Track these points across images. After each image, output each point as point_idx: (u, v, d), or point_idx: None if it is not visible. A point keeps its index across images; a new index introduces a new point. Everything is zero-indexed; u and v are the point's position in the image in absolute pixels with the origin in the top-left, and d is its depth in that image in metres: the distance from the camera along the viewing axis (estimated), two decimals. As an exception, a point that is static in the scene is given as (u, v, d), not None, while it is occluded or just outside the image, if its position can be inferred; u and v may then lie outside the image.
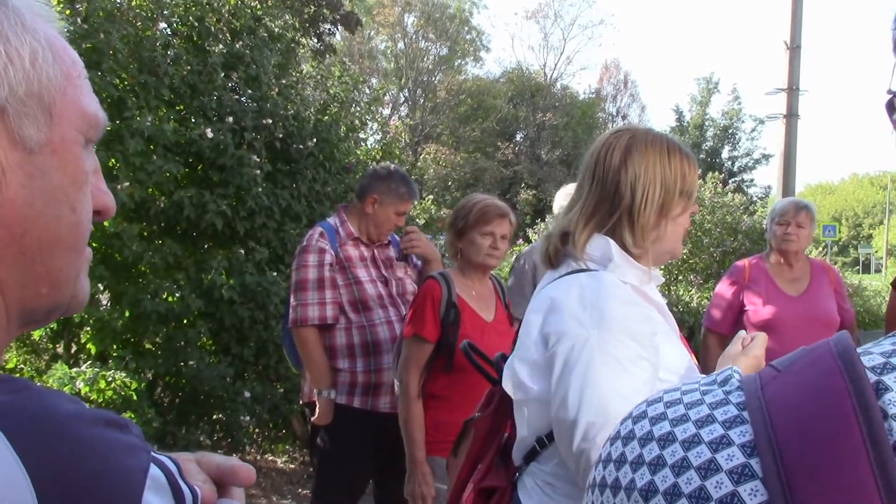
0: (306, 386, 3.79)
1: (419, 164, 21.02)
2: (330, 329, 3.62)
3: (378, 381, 3.62)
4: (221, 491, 0.79)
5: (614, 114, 40.51)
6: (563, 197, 4.20)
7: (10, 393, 0.58)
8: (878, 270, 45.67)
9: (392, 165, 3.98)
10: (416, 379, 3.20)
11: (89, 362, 4.83)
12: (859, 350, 0.52)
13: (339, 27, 9.58)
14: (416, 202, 3.93)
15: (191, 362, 5.22)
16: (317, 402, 3.57)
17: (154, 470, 0.63)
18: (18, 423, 0.57)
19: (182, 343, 5.32)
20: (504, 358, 2.09)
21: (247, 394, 5.39)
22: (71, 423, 0.59)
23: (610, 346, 1.73)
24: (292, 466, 6.31)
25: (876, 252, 54.48)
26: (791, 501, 0.46)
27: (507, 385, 1.93)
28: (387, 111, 30.20)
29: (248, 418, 5.53)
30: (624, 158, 1.91)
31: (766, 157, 37.02)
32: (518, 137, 36.66)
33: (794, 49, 14.61)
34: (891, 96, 0.61)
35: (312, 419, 3.59)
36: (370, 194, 3.73)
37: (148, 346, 5.41)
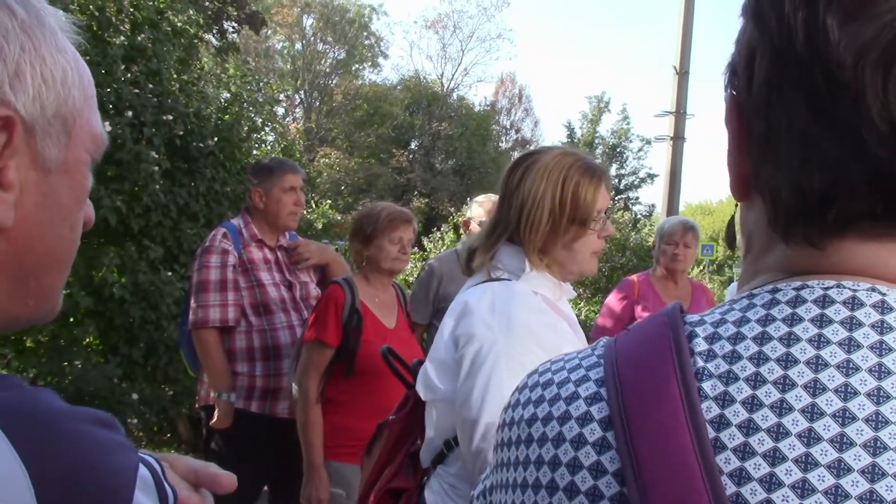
0: (203, 389, 3.72)
1: (314, 165, 20.83)
2: (230, 332, 3.57)
3: (277, 385, 3.59)
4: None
5: (508, 127, 41.02)
6: (474, 205, 4.28)
7: (3, 390, 0.58)
8: (750, 290, 47.61)
9: (269, 157, 3.97)
10: (316, 383, 3.20)
11: (-33, 359, 4.62)
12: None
13: (244, 26, 9.45)
14: (302, 176, 3.87)
15: (76, 362, 5.04)
16: (216, 406, 3.51)
17: (142, 469, 0.64)
18: (16, 420, 0.56)
19: (68, 342, 5.13)
20: (421, 363, 2.13)
21: (135, 395, 5.24)
22: (67, 420, 0.60)
23: (516, 350, 1.78)
24: (178, 471, 6.16)
25: (749, 272, 56.99)
26: (624, 413, 0.61)
27: (419, 387, 1.97)
28: (281, 110, 29.80)
29: (135, 420, 5.38)
30: (519, 182, 1.96)
31: (652, 176, 38.26)
32: (413, 145, 36.69)
33: (683, 75, 15.22)
34: None
35: (211, 423, 3.53)
36: (254, 189, 3.73)
37: (30, 344, 5.20)
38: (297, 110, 34.24)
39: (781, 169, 0.63)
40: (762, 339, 0.61)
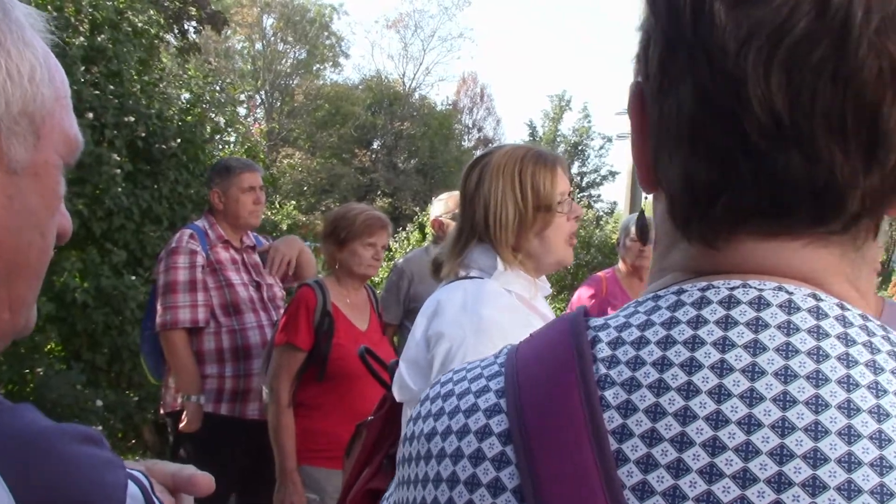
0: (169, 395, 3.67)
1: (276, 166, 20.67)
2: (198, 333, 3.53)
3: (247, 386, 3.55)
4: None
5: (470, 126, 41.07)
6: (436, 203, 4.23)
7: None
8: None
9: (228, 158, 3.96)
10: (288, 387, 3.16)
11: (-75, 368, 4.51)
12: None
13: (205, 26, 9.34)
14: (260, 174, 3.86)
15: (38, 369, 4.95)
16: (185, 409, 3.46)
17: (131, 486, 0.62)
18: None
19: (29, 349, 5.03)
20: (398, 363, 2.12)
21: (99, 402, 5.16)
22: (52, 439, 0.57)
23: (486, 349, 1.76)
24: (143, 477, 6.07)
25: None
26: (523, 426, 0.58)
27: (394, 387, 1.95)
28: (243, 111, 29.53)
29: (99, 427, 5.29)
30: (477, 183, 1.96)
31: (613, 173, 38.47)
32: (375, 145, 36.60)
33: (644, 73, 15.35)
34: None
35: (180, 427, 3.47)
36: (213, 190, 3.73)
37: (-10, 351, 5.09)
38: (259, 111, 33.96)
39: (673, 158, 0.61)
40: (666, 343, 0.58)
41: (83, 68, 5.33)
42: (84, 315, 5.16)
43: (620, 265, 4.64)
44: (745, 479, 0.52)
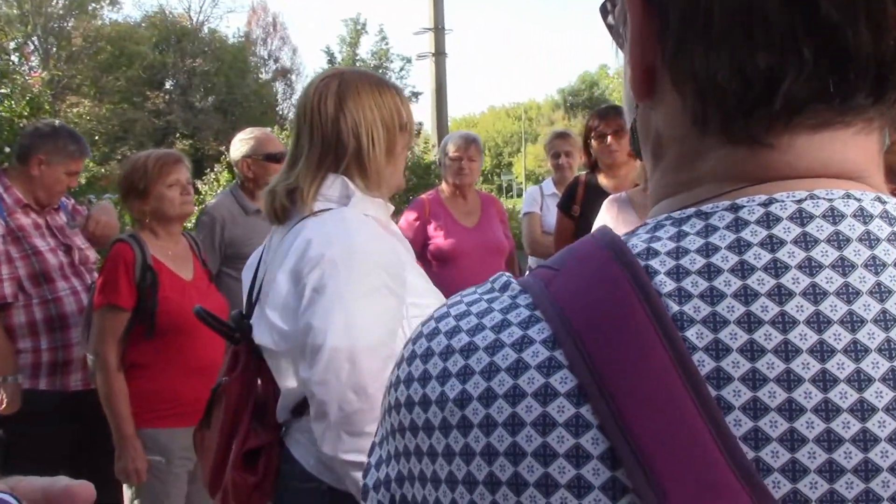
0: (-22, 376, 3.42)
1: (63, 117, 19.32)
2: (6, 308, 3.27)
3: (66, 357, 3.36)
4: None
5: (266, 57, 40.04)
6: (238, 143, 4.07)
7: None
8: (519, 195, 49.91)
9: (56, 122, 3.66)
10: (115, 350, 3.00)
11: None
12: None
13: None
14: (86, 160, 3.67)
15: None
16: (2, 391, 3.22)
17: None
18: None
19: None
20: (241, 315, 2.02)
21: None
22: None
23: (358, 274, 1.75)
24: (-39, 464, 5.67)
25: (516, 178, 59.76)
26: (598, 378, 0.50)
27: (265, 338, 1.87)
28: (15, 59, 27.19)
29: None
30: (339, 105, 1.89)
31: (416, 94, 38.71)
32: (168, 85, 35.00)
33: (438, -10, 15.40)
34: (604, 1, 0.67)
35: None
36: (35, 154, 3.42)
37: None
38: (33, 58, 31.43)
39: (716, 50, 0.54)
40: (742, 270, 0.52)
41: None
42: None
43: (443, 185, 4.70)
44: (863, 410, 0.48)
